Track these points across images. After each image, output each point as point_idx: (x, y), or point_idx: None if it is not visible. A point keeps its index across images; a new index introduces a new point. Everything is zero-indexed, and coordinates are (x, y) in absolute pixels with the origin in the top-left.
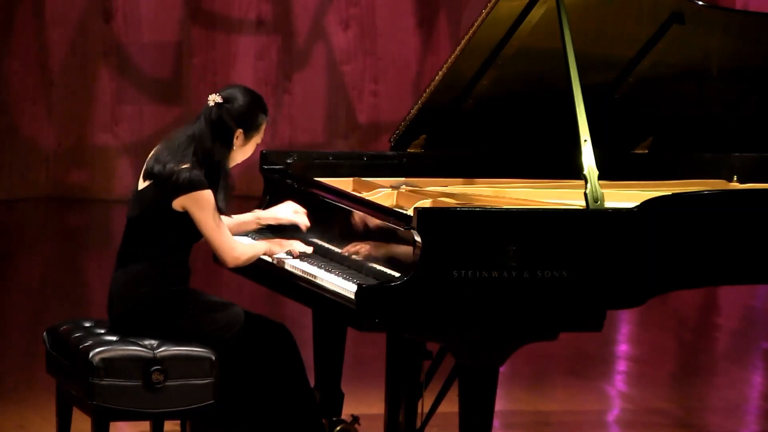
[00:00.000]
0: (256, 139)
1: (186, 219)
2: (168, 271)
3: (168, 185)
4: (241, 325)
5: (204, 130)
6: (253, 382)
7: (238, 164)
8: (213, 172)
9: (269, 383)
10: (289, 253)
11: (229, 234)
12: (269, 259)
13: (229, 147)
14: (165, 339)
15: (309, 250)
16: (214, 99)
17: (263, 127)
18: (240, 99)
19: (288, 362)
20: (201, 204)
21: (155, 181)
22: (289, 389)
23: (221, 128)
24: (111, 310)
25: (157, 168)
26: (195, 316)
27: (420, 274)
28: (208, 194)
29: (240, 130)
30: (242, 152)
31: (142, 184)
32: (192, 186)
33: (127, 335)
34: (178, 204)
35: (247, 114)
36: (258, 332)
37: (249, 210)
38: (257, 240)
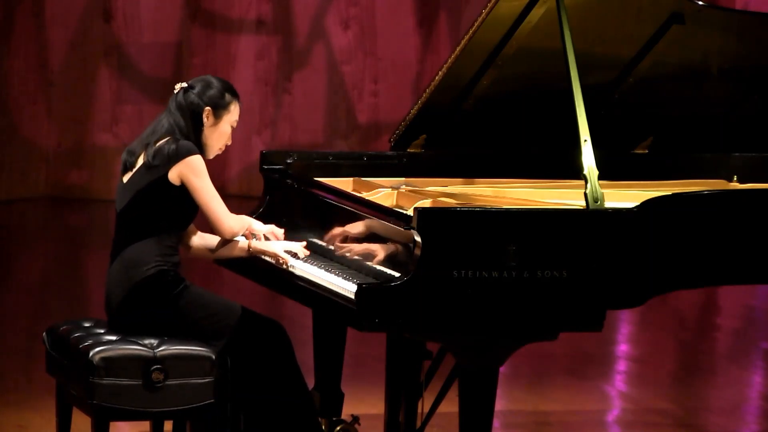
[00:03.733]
0: (228, 120)
1: (177, 196)
2: (162, 251)
3: (159, 159)
4: (237, 317)
5: (175, 114)
6: (247, 379)
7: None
8: None
9: (263, 379)
10: (294, 255)
11: (223, 203)
12: (269, 259)
13: (199, 126)
14: (161, 326)
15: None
16: (180, 85)
17: (233, 107)
18: (205, 81)
19: (282, 359)
20: (195, 169)
21: (143, 163)
22: (283, 386)
23: (190, 109)
24: (108, 305)
25: (134, 156)
26: (192, 302)
27: (420, 274)
28: (200, 159)
29: (208, 108)
30: (216, 134)
31: (125, 178)
32: (182, 151)
33: (125, 328)
34: (174, 174)
35: (214, 93)
36: (252, 329)
37: (249, 210)
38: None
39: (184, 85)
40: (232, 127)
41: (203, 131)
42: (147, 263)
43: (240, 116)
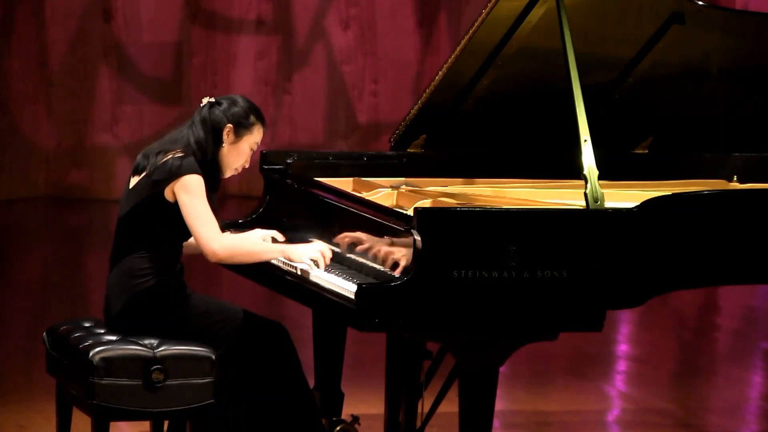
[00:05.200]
0: (249, 141)
1: (174, 212)
2: (161, 263)
3: (159, 173)
4: (239, 323)
5: (195, 127)
6: (250, 381)
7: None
8: (206, 171)
9: (266, 381)
10: (315, 263)
11: (214, 225)
12: (275, 262)
13: (218, 142)
14: (161, 336)
15: (329, 256)
16: (207, 99)
17: (256, 129)
18: (232, 99)
19: (284, 360)
20: (187, 187)
21: (146, 173)
22: (286, 388)
23: (211, 123)
24: (108, 312)
25: (147, 161)
26: (191, 311)
27: (420, 274)
28: (197, 179)
29: (230, 126)
30: (235, 152)
31: (132, 182)
32: (181, 170)
33: (124, 334)
34: (169, 191)
35: (239, 112)
36: (254, 331)
37: (249, 210)
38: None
39: (212, 99)
40: (251, 149)
41: (222, 148)
42: (146, 275)
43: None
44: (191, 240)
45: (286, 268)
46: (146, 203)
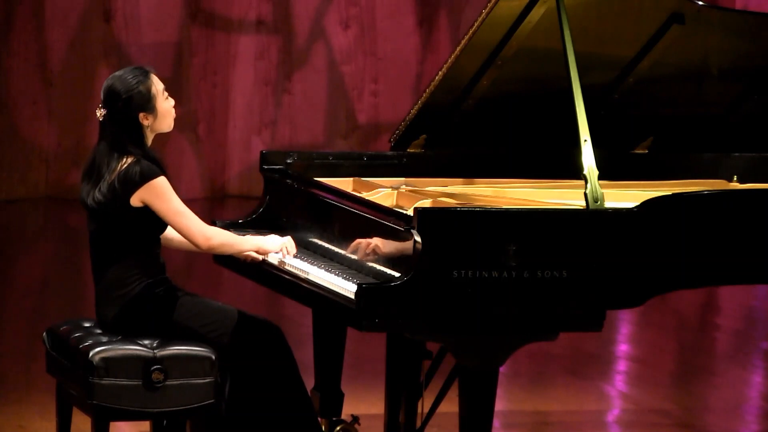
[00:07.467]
0: (160, 99)
1: (145, 213)
2: (144, 267)
3: (121, 186)
4: (233, 324)
5: (113, 141)
6: (245, 381)
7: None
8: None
9: (262, 382)
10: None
11: (194, 215)
12: (271, 260)
13: (142, 134)
14: (157, 338)
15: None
16: (99, 113)
17: (153, 86)
18: (116, 91)
19: (280, 361)
20: (158, 192)
21: (103, 193)
22: (282, 388)
23: (126, 127)
24: (101, 321)
25: (94, 187)
26: (184, 312)
27: (420, 274)
28: (162, 181)
29: (141, 114)
30: (161, 116)
31: (90, 204)
32: (144, 177)
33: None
34: (136, 199)
35: (132, 97)
36: (249, 331)
37: (249, 210)
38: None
39: (103, 111)
40: (165, 95)
41: (147, 131)
42: (132, 282)
43: (237, 114)
44: (174, 235)
45: (274, 263)
46: (114, 216)
